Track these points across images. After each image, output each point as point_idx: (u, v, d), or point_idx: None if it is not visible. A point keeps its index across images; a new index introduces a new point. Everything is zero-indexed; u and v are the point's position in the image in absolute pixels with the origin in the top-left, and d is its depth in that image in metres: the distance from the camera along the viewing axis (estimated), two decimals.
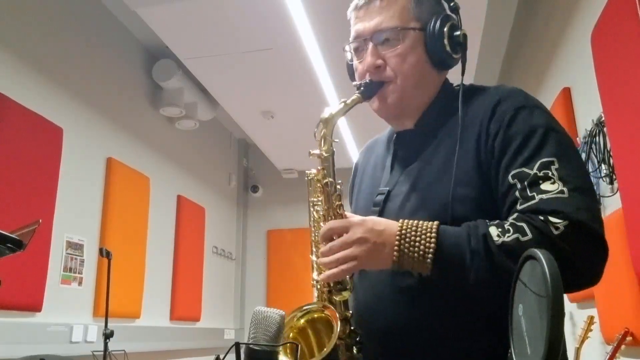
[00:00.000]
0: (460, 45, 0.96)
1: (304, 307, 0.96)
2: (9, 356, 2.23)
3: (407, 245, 0.83)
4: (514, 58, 3.75)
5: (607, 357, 1.75)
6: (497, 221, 0.84)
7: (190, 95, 3.84)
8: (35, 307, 2.46)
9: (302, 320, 0.95)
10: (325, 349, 0.88)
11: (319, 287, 0.96)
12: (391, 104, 0.98)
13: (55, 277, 2.63)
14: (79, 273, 2.82)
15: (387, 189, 1.01)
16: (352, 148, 4.33)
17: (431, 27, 0.95)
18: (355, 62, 1.02)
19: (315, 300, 0.98)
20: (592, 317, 2.05)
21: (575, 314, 2.49)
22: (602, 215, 2.05)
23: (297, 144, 4.12)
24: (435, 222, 0.85)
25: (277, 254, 5.27)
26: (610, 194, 1.93)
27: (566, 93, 2.45)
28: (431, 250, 0.82)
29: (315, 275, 0.97)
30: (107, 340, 2.43)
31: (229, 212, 5.21)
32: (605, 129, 1.93)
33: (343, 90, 2.46)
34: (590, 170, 2.06)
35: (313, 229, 1.00)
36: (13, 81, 2.50)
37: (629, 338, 1.74)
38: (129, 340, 2.96)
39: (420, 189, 0.94)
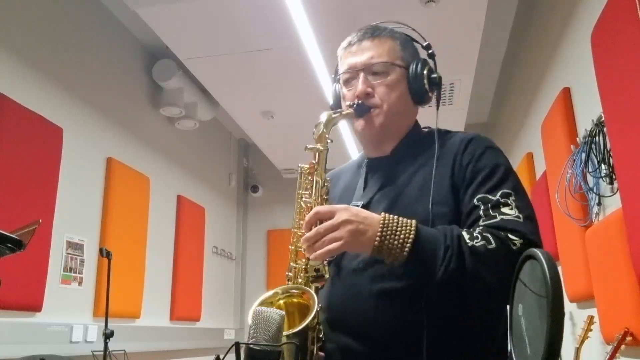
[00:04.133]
0: (436, 85, 1.12)
1: (288, 288, 1.02)
2: (9, 356, 2.23)
3: (389, 233, 0.91)
4: (514, 58, 3.75)
5: (607, 357, 1.75)
6: (466, 229, 0.96)
7: (190, 95, 3.84)
8: (35, 307, 2.46)
9: (281, 302, 1.00)
10: (302, 322, 0.92)
11: (296, 274, 1.03)
12: (378, 125, 1.10)
13: (55, 277, 2.63)
14: (79, 273, 2.82)
15: (362, 202, 1.09)
16: (351, 147, 4.32)
17: (413, 67, 1.11)
18: (344, 90, 1.14)
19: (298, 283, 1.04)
20: (592, 317, 2.06)
21: (575, 314, 2.49)
22: (602, 216, 2.06)
23: (297, 144, 4.08)
24: (414, 220, 0.94)
25: (277, 254, 5.26)
26: (610, 194, 1.93)
27: (566, 93, 2.45)
28: (410, 240, 0.91)
29: (290, 264, 1.05)
30: (107, 340, 2.43)
31: (229, 212, 5.21)
32: (605, 129, 1.93)
33: None
34: (590, 170, 2.07)
35: (297, 218, 1.07)
36: (13, 81, 2.50)
37: (629, 338, 1.74)
38: (129, 340, 2.96)
39: (401, 207, 1.04)
